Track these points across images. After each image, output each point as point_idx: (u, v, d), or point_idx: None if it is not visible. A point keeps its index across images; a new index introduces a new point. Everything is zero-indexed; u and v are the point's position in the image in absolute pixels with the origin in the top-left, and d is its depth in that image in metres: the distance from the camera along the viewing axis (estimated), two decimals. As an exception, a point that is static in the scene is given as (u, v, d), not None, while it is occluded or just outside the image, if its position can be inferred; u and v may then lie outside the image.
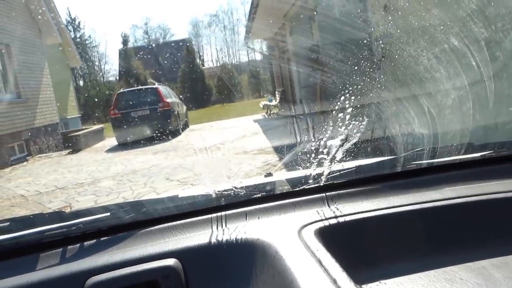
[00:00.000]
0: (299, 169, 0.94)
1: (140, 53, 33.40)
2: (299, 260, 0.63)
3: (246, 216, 0.82)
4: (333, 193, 0.86)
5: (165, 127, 11.67)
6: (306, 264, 0.61)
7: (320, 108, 8.09)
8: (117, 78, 37.38)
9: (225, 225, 0.80)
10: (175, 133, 11.93)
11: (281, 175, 0.97)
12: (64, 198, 5.91)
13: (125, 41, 34.67)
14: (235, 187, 0.90)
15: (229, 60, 43.58)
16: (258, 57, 42.16)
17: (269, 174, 1.03)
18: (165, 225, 0.81)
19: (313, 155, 0.92)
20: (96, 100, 27.72)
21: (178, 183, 5.72)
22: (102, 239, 0.78)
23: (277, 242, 0.69)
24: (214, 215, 0.83)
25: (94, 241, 0.78)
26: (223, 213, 0.83)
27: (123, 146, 11.43)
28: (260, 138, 8.75)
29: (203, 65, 38.42)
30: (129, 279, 0.67)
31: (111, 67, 57.19)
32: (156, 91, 12.27)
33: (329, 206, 0.81)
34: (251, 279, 0.67)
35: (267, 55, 22.32)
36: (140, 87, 14.01)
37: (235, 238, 0.73)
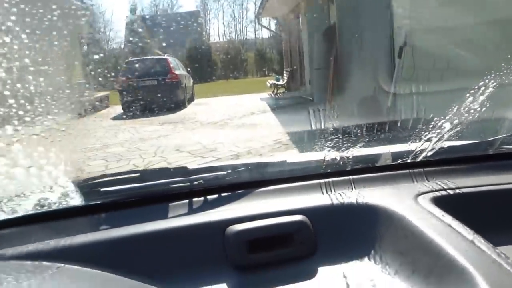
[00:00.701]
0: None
1: (147, 22, 33.06)
2: (430, 223, 0.68)
3: (352, 184, 0.88)
4: (430, 169, 0.91)
5: (172, 98, 11.66)
6: (438, 227, 0.66)
7: (332, 92, 8.10)
8: (122, 46, 37.10)
9: (334, 190, 0.85)
10: (181, 106, 11.94)
11: (383, 149, 1.02)
12: (74, 161, 5.95)
13: (132, 9, 34.31)
14: (341, 157, 0.95)
15: (235, 36, 43.21)
16: (266, 35, 41.79)
17: (370, 146, 1.08)
18: (287, 185, 0.86)
19: (418, 131, 0.96)
20: (100, 66, 27.54)
21: (188, 154, 5.76)
22: (231, 193, 0.83)
23: (398, 207, 0.74)
24: (322, 180, 0.88)
25: (228, 194, 0.83)
26: (330, 179, 0.88)
27: (128, 114, 11.43)
28: (268, 116, 8.77)
29: (209, 39, 38.11)
30: (267, 230, 0.72)
31: (116, 35, 56.63)
32: (165, 62, 12.22)
33: (428, 180, 0.86)
34: (376, 239, 0.73)
35: (277, 34, 22.15)
36: (149, 57, 13.94)
37: (356, 202, 0.78)
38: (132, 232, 0.71)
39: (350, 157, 0.94)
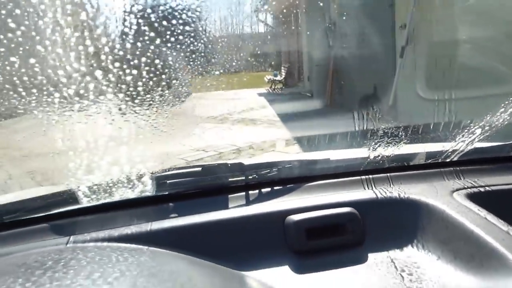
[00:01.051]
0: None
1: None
2: (468, 216, 0.77)
3: (391, 180, 0.96)
4: (461, 168, 0.99)
5: (169, 91, 11.66)
6: (475, 219, 0.74)
7: (331, 89, 8.17)
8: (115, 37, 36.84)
9: (375, 185, 0.93)
10: (178, 99, 11.94)
11: (418, 148, 1.10)
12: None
13: None
14: (379, 155, 1.03)
15: (232, 31, 43.10)
16: (263, 30, 41.69)
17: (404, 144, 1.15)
18: (333, 180, 0.94)
19: (455, 132, 1.04)
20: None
21: (190, 147, 5.81)
22: (285, 186, 0.91)
23: (437, 201, 0.82)
24: (364, 176, 0.96)
25: (281, 187, 0.91)
26: (371, 176, 0.96)
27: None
28: (268, 111, 8.83)
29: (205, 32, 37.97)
30: (323, 220, 0.81)
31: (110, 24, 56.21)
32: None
33: (459, 178, 0.94)
34: (418, 230, 0.81)
35: (275, 30, 22.13)
36: (148, 50, 13.93)
37: (398, 196, 0.86)
38: (200, 220, 0.78)
39: (387, 156, 1.02)
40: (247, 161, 0.99)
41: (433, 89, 4.44)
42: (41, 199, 0.83)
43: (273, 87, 13.93)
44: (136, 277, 0.47)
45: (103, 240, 0.70)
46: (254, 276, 0.65)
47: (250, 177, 0.93)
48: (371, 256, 0.78)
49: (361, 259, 0.78)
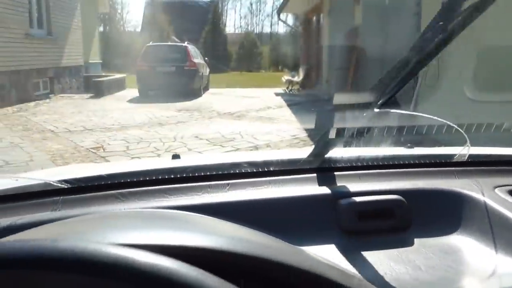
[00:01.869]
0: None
1: (166, 7, 33.12)
2: (510, 208, 0.81)
3: (434, 173, 1.01)
4: (497, 168, 1.04)
5: (188, 86, 11.78)
6: None
7: (350, 92, 8.18)
8: (137, 29, 37.18)
9: (420, 177, 0.99)
10: (197, 94, 12.05)
11: (458, 149, 1.16)
12: (95, 139, 6.09)
13: (151, -7, 34.32)
14: (423, 151, 1.09)
15: (251, 29, 43.16)
16: (282, 30, 41.76)
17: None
18: (380, 170, 1.00)
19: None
20: (116, 48, 27.66)
21: (207, 142, 5.88)
22: (335, 173, 0.97)
23: (481, 195, 0.87)
24: (409, 170, 1.02)
25: (333, 173, 0.97)
26: (415, 169, 1.02)
27: (145, 98, 11.58)
28: (285, 111, 8.87)
29: (225, 30, 38.06)
30: (374, 204, 0.86)
31: (133, 18, 56.86)
32: (185, 49, 12.33)
33: (497, 177, 0.99)
34: (462, 219, 0.88)
35: (296, 30, 22.15)
36: (169, 43, 14.04)
37: (442, 188, 0.92)
38: (255, 197, 0.85)
39: (431, 153, 1.09)
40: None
41: (482, 91, 4.44)
42: (114, 168, 0.90)
43: (289, 87, 13.99)
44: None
45: (166, 208, 0.76)
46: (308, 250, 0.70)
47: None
48: (417, 240, 0.84)
49: (407, 242, 0.83)
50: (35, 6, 11.09)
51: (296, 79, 14.60)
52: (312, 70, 14.46)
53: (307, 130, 6.60)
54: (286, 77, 15.52)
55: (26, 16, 10.39)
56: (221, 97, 12.37)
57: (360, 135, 0.95)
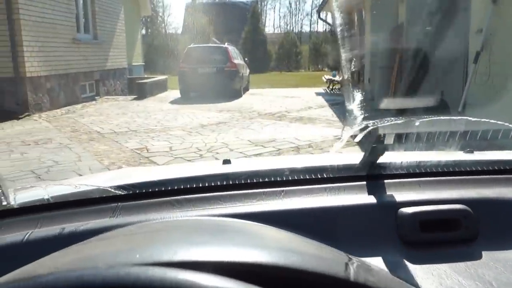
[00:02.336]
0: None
1: (206, 9, 33.53)
2: None
3: (499, 182, 0.95)
4: None
5: (229, 87, 11.86)
6: None
7: (394, 92, 7.99)
8: (178, 31, 37.83)
9: (485, 186, 0.93)
10: (237, 95, 12.12)
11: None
12: (139, 140, 6.22)
13: (192, -4, 34.85)
14: (485, 157, 1.03)
15: (291, 29, 43.02)
16: (321, 29, 41.38)
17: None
18: (443, 178, 0.95)
19: None
20: (158, 50, 28.27)
21: (249, 142, 5.88)
22: (393, 180, 0.93)
23: None
24: (474, 177, 0.96)
25: (393, 180, 0.93)
26: (480, 176, 0.96)
27: (186, 99, 11.76)
28: (326, 112, 8.76)
29: (265, 30, 38.13)
30: (438, 214, 0.82)
31: (174, 20, 57.90)
32: (225, 50, 12.42)
33: None
34: None
35: (336, 29, 21.90)
36: (210, 44, 14.19)
37: (507, 197, 0.86)
38: (312, 205, 0.82)
39: (492, 160, 1.03)
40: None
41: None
42: (169, 174, 0.89)
43: (330, 87, 13.83)
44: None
45: (222, 216, 0.75)
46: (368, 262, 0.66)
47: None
48: (485, 253, 0.78)
49: (475, 256, 0.78)
50: (81, 11, 11.47)
51: (337, 78, 14.42)
52: (353, 69, 14.23)
53: (350, 130, 6.48)
54: (327, 76, 15.36)
55: (74, 21, 10.76)
56: (261, 97, 12.38)
57: (417, 140, 0.90)
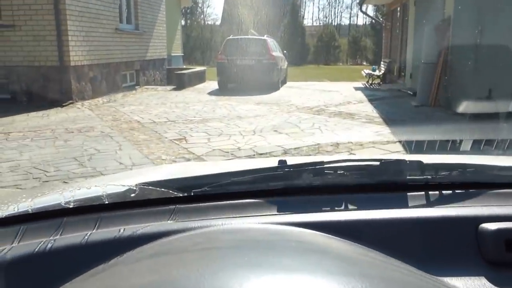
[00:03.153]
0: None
1: (245, 0, 33.46)
2: None
3: None
4: None
5: (267, 79, 11.81)
6: None
7: (437, 89, 7.73)
8: (216, 23, 37.97)
9: None
10: (275, 87, 12.05)
11: None
12: (178, 131, 6.28)
13: (231, -13, 34.85)
14: None
15: (330, 21, 42.43)
16: (361, 22, 40.62)
17: None
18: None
19: None
20: (197, 41, 28.48)
21: (287, 136, 5.84)
22: (468, 190, 0.86)
23: None
24: None
25: (465, 191, 0.86)
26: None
27: (224, 91, 11.79)
28: (366, 107, 8.58)
29: (303, 23, 37.74)
30: None
31: (213, 11, 58.19)
32: (265, 42, 12.36)
33: None
34: None
35: (377, 22, 21.41)
36: (249, 36, 14.14)
37: None
38: (379, 216, 0.76)
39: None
40: (426, 159, 0.93)
41: None
42: (226, 176, 0.86)
43: (370, 81, 13.55)
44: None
45: (287, 224, 0.71)
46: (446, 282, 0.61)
47: (429, 177, 0.88)
48: None
49: None
50: (124, 2, 11.66)
51: (377, 73, 14.12)
52: (394, 63, 13.89)
53: (390, 127, 6.33)
54: (366, 70, 15.05)
55: (117, 12, 10.94)
56: (299, 90, 12.26)
57: (501, 147, 0.82)
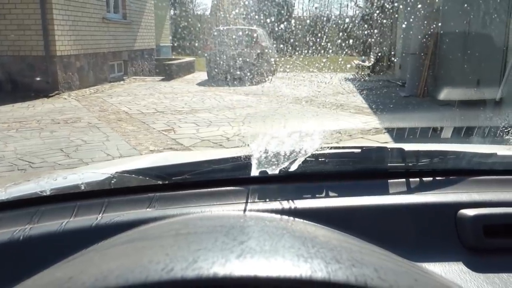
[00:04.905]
0: None
1: (235, -9, 33.24)
2: None
3: None
4: None
5: (256, 70, 11.76)
6: None
7: (425, 80, 7.76)
8: (206, 13, 37.69)
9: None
10: (265, 78, 12.01)
11: None
12: (166, 121, 6.23)
13: (221, -23, 34.59)
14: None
15: (320, 12, 42.31)
16: (351, 12, 40.57)
17: None
18: (507, 177, 0.86)
19: None
20: (186, 31, 28.25)
21: (275, 126, 5.81)
22: (447, 178, 0.85)
23: None
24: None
25: (444, 178, 0.85)
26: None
27: (213, 81, 11.72)
28: (356, 98, 8.59)
29: (292, 12, 37.59)
30: (502, 218, 0.74)
31: (202, 1, 57.68)
32: (254, 33, 12.29)
33: None
34: None
35: (366, 13, 21.41)
36: (238, 27, 14.05)
37: None
38: (360, 202, 0.75)
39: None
40: (407, 147, 0.93)
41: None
42: (206, 164, 0.84)
43: (360, 72, 13.57)
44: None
45: (268, 211, 0.69)
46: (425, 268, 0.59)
47: (410, 164, 0.87)
48: None
49: None
50: (110, -9, 11.51)
51: (366, 63, 14.14)
52: (384, 54, 13.91)
53: (379, 117, 6.34)
54: (356, 61, 15.07)
55: (103, 0, 10.79)
56: (289, 81, 12.23)
57: (481, 135, 0.81)
